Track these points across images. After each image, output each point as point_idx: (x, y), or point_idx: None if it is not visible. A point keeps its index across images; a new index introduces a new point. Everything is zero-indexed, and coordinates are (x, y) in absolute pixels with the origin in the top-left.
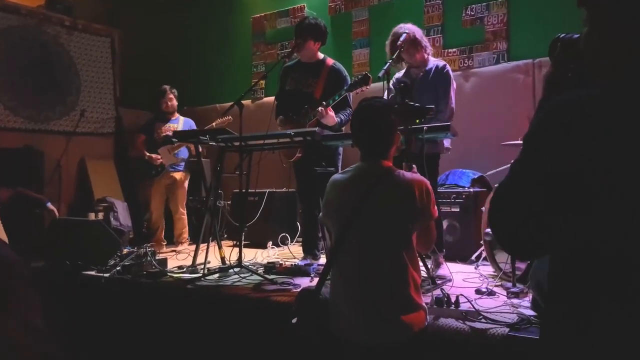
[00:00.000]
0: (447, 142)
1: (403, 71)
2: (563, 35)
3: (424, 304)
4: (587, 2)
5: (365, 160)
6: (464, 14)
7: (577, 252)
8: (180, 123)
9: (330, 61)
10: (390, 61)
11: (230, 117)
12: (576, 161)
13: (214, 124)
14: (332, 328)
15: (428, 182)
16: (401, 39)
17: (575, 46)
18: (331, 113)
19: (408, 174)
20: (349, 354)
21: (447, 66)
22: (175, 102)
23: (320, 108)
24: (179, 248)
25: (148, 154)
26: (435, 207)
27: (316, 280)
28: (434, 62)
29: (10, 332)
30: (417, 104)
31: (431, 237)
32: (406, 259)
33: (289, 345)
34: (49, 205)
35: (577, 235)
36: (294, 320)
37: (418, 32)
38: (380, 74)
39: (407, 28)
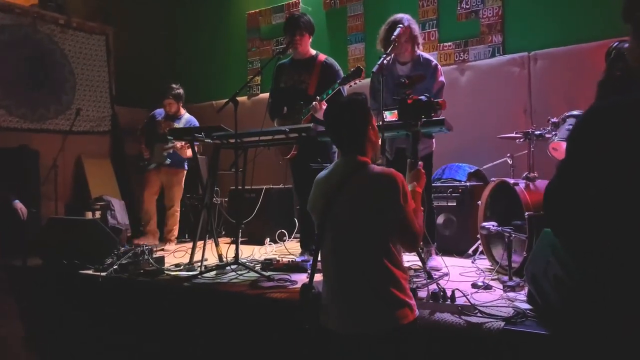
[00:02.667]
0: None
1: (390, 59)
2: (616, 43)
3: (408, 300)
4: (631, 19)
5: (343, 157)
6: (458, 8)
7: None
8: (181, 122)
9: (322, 57)
10: (384, 56)
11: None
12: (615, 158)
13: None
14: (322, 320)
15: (400, 176)
16: (395, 33)
17: (621, 55)
18: (324, 107)
19: (378, 168)
20: (335, 344)
21: (438, 65)
22: (174, 107)
23: (314, 102)
24: (167, 247)
25: (143, 145)
26: (410, 201)
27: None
28: (424, 56)
29: None
30: (423, 98)
31: (412, 233)
32: (381, 254)
33: (286, 341)
34: (16, 203)
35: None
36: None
37: (416, 27)
38: (375, 70)
39: (407, 19)
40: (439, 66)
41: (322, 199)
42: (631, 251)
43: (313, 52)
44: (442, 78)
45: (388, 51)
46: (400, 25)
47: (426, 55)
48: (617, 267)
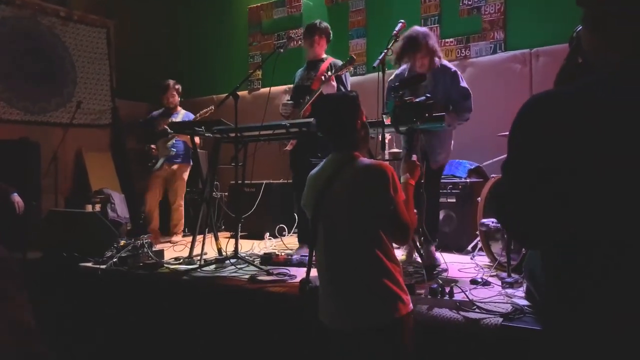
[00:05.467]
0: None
1: (403, 68)
2: (580, 28)
3: (401, 293)
4: (583, 3)
5: (334, 152)
6: (460, 4)
7: (564, 240)
8: (179, 117)
9: (331, 59)
10: (385, 50)
11: (212, 107)
12: (551, 154)
13: (197, 115)
14: (319, 314)
15: (390, 168)
16: (396, 28)
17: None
18: (333, 83)
19: (367, 161)
20: (331, 339)
21: (458, 72)
22: (177, 98)
23: (325, 75)
24: (174, 239)
25: (147, 145)
26: (400, 193)
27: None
28: (443, 63)
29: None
30: (416, 100)
31: (402, 225)
32: (374, 247)
33: (284, 335)
34: (14, 196)
35: (564, 223)
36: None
37: (431, 41)
38: (375, 64)
39: (423, 36)
40: (459, 73)
41: (314, 194)
42: (590, 244)
43: (324, 55)
44: (464, 84)
45: (389, 46)
46: (402, 21)
47: (445, 62)
48: (578, 262)
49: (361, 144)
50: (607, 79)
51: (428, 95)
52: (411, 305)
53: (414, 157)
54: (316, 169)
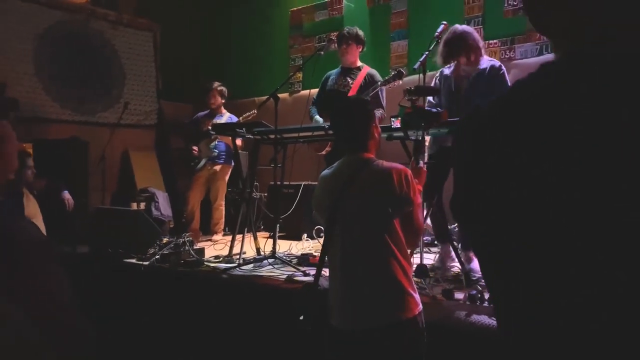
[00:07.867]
0: None
1: (451, 66)
2: None
3: (414, 292)
4: None
5: (348, 155)
6: (505, 4)
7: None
8: (224, 119)
9: (367, 68)
10: (426, 53)
11: (254, 111)
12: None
13: (240, 118)
14: (329, 318)
15: (408, 170)
16: (438, 30)
17: None
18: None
19: (386, 163)
20: (340, 341)
21: (503, 67)
22: (218, 100)
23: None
24: (214, 237)
25: (189, 145)
26: (418, 195)
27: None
28: (488, 61)
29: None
30: (429, 109)
31: (416, 227)
32: (392, 246)
33: (316, 336)
34: (64, 194)
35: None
36: (301, 317)
37: (471, 38)
38: (416, 66)
39: (459, 29)
40: (505, 71)
41: (329, 197)
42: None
43: (360, 63)
44: (508, 83)
45: (431, 48)
46: (444, 22)
47: (491, 60)
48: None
49: (374, 146)
50: (548, 71)
51: (439, 108)
52: (421, 305)
53: (421, 164)
54: (328, 170)
